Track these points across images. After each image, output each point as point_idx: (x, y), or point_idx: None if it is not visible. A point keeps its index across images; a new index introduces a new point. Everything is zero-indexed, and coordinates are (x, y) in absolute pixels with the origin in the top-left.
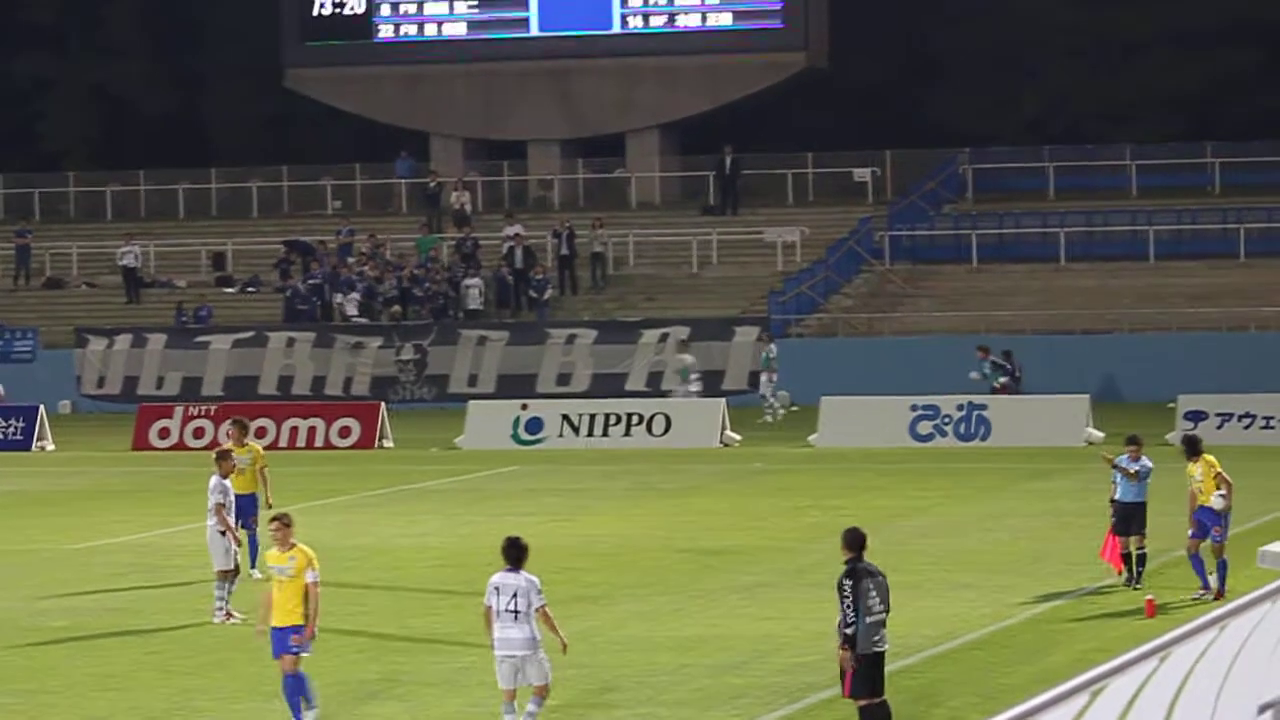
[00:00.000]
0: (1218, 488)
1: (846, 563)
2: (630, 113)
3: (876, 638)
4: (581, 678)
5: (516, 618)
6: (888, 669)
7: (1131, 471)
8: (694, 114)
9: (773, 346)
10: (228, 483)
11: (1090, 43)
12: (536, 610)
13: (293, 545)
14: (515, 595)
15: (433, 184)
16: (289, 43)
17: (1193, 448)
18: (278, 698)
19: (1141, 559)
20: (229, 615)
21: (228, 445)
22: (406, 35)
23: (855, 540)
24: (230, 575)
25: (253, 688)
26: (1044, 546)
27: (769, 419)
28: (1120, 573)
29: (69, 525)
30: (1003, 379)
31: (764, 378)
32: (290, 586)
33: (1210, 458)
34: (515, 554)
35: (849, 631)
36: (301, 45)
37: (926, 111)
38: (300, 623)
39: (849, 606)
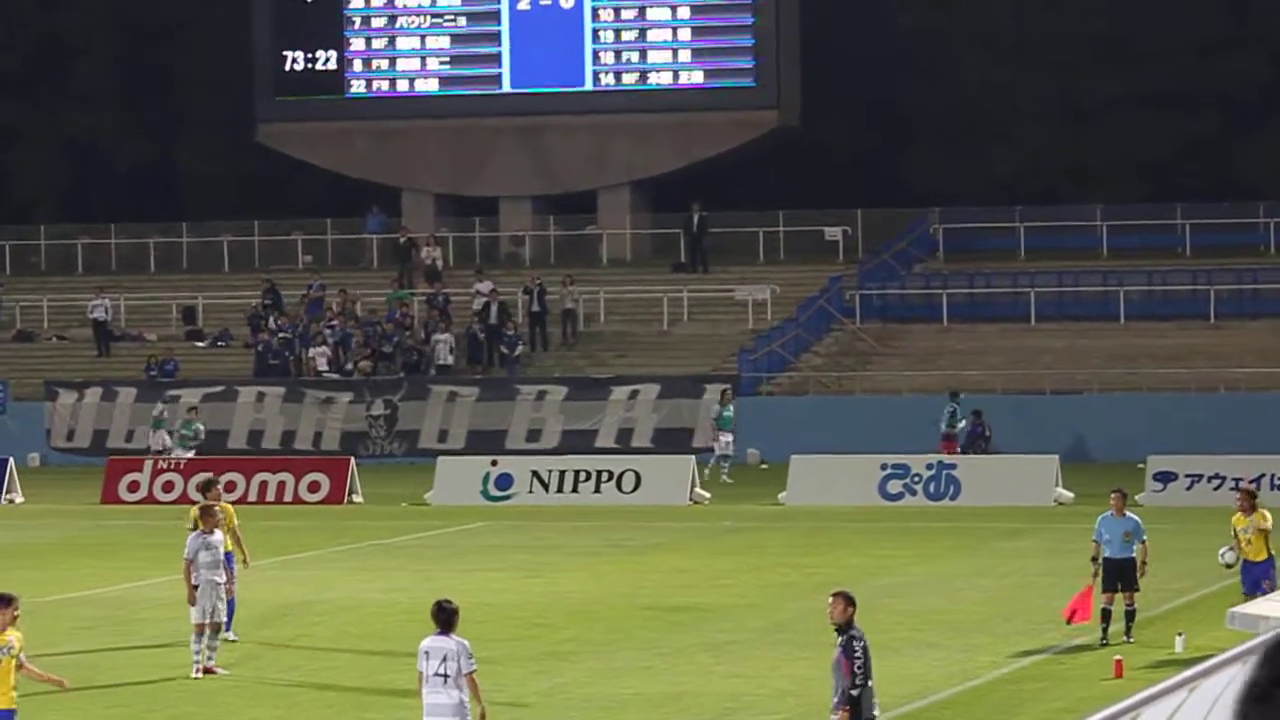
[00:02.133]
0: (1267, 544)
1: (848, 625)
2: (602, 169)
3: (875, 702)
4: None
5: (445, 682)
6: None
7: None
8: (666, 171)
9: (730, 407)
10: (208, 537)
11: (1060, 105)
12: (466, 676)
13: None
14: (445, 659)
15: (403, 239)
16: (261, 97)
17: (1252, 501)
18: None
19: (1131, 614)
20: (204, 669)
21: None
22: (379, 90)
23: (853, 601)
24: (204, 629)
25: None
26: (1012, 606)
27: (726, 479)
28: (1069, 623)
29: (37, 578)
30: (959, 425)
31: (723, 438)
32: (5, 665)
33: (1266, 513)
34: (445, 617)
35: (855, 694)
36: (274, 100)
37: (897, 171)
38: (12, 707)
39: (859, 668)
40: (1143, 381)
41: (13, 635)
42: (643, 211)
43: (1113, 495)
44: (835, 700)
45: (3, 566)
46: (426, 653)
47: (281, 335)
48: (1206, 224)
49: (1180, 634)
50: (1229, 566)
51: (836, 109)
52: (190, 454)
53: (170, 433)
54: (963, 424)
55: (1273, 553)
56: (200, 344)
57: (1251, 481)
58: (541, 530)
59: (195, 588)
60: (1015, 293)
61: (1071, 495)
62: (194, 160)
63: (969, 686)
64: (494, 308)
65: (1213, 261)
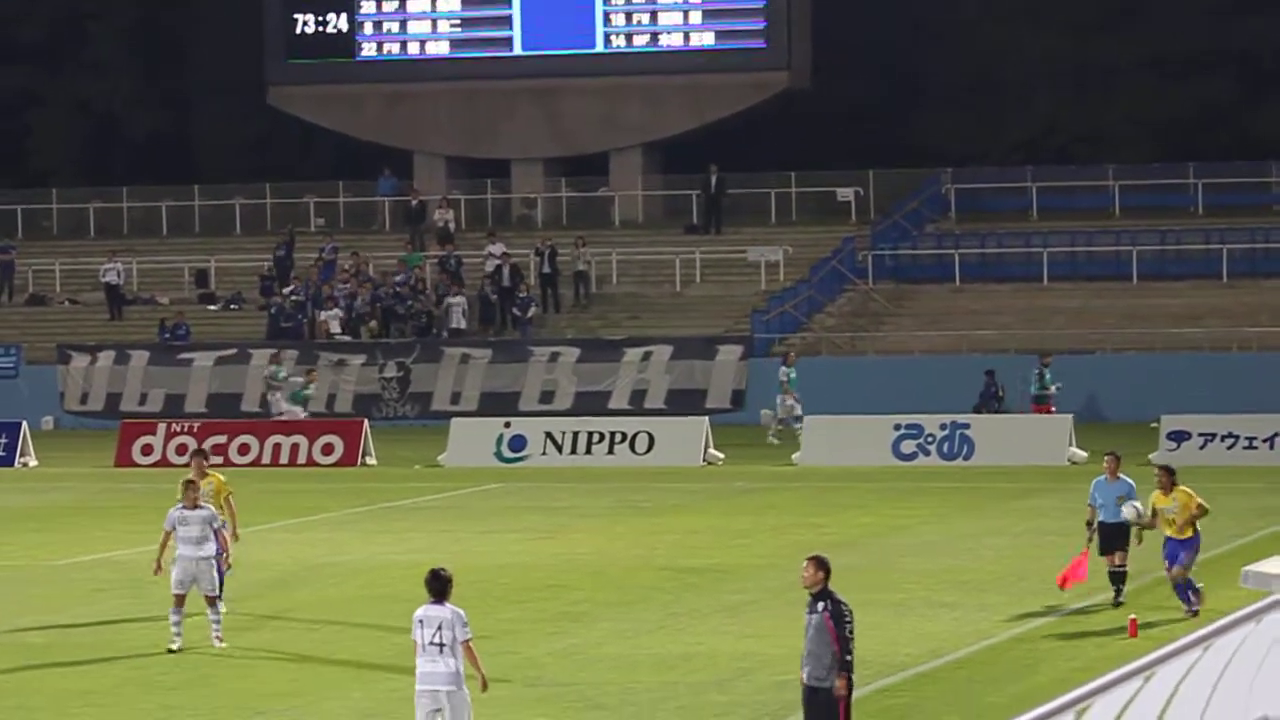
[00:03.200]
0: (1193, 517)
1: (825, 591)
2: (614, 131)
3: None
4: (564, 695)
5: (441, 651)
6: (869, 689)
7: (1139, 523)
8: (677, 133)
9: (793, 369)
10: (188, 512)
11: (1073, 66)
12: (462, 644)
13: None
14: (440, 628)
15: (414, 202)
16: (272, 61)
17: (1171, 479)
18: (261, 714)
19: (1123, 576)
20: (219, 639)
21: (191, 476)
22: (390, 54)
23: (826, 567)
24: (183, 601)
25: (237, 703)
26: (1027, 565)
27: (774, 440)
28: (1063, 589)
29: (51, 541)
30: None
31: (781, 399)
32: None
33: (1187, 489)
34: (439, 585)
35: (850, 659)
36: (284, 63)
37: (909, 131)
38: None
39: (850, 633)
40: (1156, 341)
41: None
42: (654, 173)
43: (1106, 458)
44: (817, 669)
45: (17, 529)
46: (421, 621)
47: (294, 298)
48: (1219, 183)
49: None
50: (1129, 522)
51: (848, 70)
52: (303, 414)
53: (278, 391)
54: (1057, 386)
55: (1199, 531)
56: (213, 307)
57: (1265, 441)
58: (555, 492)
59: (160, 560)
60: (1028, 253)
61: (1085, 454)
62: (206, 124)
63: (984, 646)
64: (506, 270)
65: (1226, 221)
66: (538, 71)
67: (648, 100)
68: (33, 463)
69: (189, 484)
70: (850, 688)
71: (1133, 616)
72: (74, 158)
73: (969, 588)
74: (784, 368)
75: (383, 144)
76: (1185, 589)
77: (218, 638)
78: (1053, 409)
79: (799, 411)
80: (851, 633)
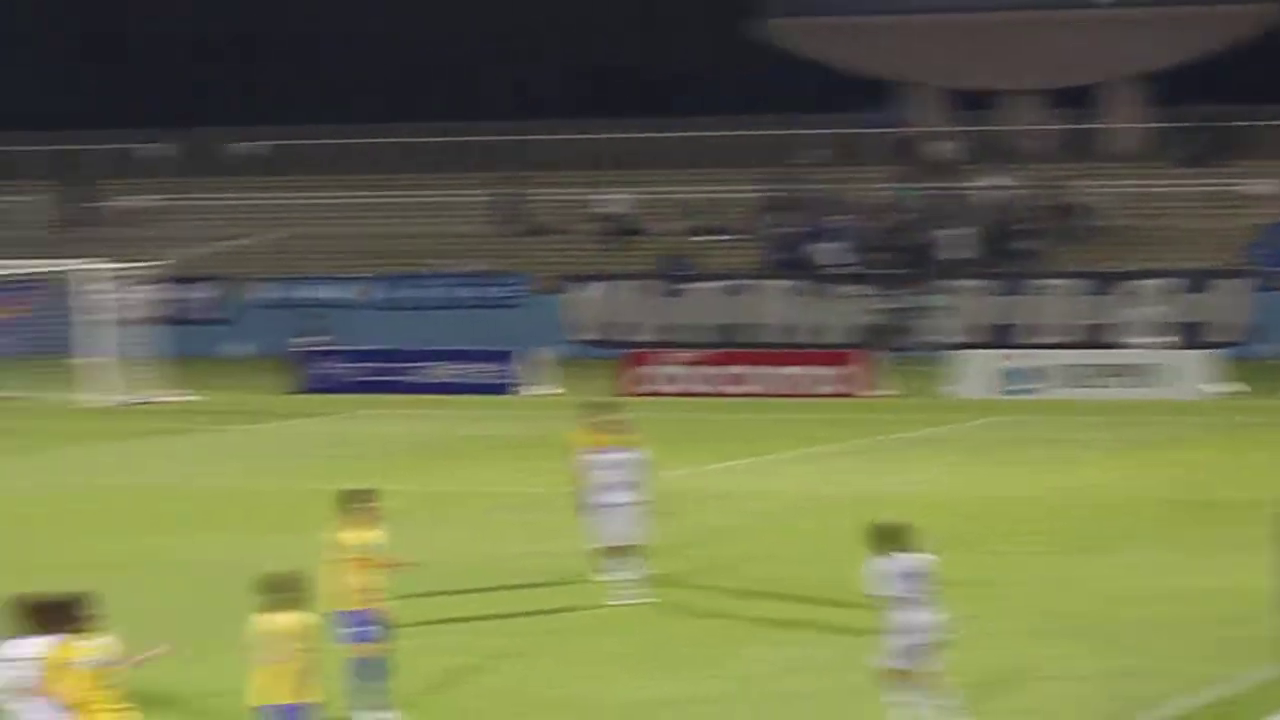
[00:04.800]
0: None
1: None
2: (1107, 63)
3: None
4: (1081, 631)
5: (913, 602)
6: None
7: None
8: (1172, 64)
9: None
10: (609, 455)
11: None
12: (922, 595)
13: None
14: (913, 578)
15: (908, 133)
16: None
17: None
18: (775, 645)
19: None
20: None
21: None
22: None
23: None
24: (618, 553)
25: (726, 635)
26: None
27: None
28: None
29: (547, 469)
30: None
31: None
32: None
33: None
34: (892, 535)
35: None
36: None
37: None
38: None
39: None
40: None
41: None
42: (1149, 105)
43: None
44: None
45: (513, 457)
46: (893, 572)
47: (791, 230)
48: None
49: None
50: None
51: None
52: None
53: None
54: None
55: None
56: (712, 238)
57: None
58: (1058, 425)
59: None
60: None
61: None
62: (695, 58)
63: None
64: (1004, 202)
65: None
66: (1030, 3)
67: (1141, 31)
68: (536, 390)
69: (613, 423)
70: None
71: None
72: (569, 89)
73: None
74: None
75: (873, 75)
76: None
77: (626, 594)
78: None
79: None
80: None
